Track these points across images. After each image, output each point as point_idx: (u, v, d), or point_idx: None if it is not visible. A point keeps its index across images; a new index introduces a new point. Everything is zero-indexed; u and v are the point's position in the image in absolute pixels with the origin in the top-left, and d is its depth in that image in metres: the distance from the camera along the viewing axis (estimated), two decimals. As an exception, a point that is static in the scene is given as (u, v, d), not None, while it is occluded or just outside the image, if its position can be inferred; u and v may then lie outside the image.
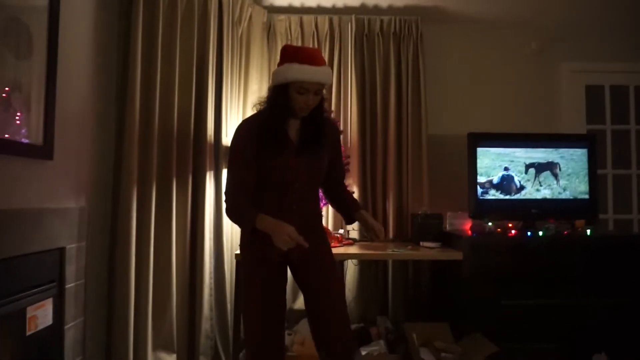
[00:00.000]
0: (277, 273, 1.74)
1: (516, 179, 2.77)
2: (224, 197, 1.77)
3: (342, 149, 1.95)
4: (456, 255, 2.42)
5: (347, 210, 1.90)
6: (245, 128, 1.71)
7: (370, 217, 1.86)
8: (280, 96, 1.65)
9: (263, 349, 1.67)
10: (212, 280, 2.62)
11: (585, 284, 2.48)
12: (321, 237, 1.81)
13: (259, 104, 1.78)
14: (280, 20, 3.08)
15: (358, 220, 1.88)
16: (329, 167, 1.81)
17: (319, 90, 1.65)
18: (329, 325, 1.68)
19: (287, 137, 1.70)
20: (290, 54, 1.64)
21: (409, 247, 2.62)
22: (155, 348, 2.35)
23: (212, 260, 2.63)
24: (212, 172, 2.63)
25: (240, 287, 1.82)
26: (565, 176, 2.78)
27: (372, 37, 3.08)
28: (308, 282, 1.75)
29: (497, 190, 2.76)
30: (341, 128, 2.94)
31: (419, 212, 2.79)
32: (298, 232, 1.57)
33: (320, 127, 1.73)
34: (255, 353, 1.68)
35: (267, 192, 1.70)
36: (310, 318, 1.76)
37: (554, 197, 2.77)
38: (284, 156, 1.67)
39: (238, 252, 2.35)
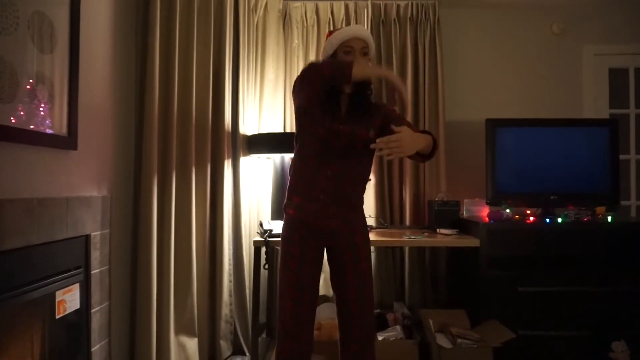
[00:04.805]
0: (314, 253, 1.74)
1: (535, 165, 2.73)
2: (302, 76, 1.68)
3: (396, 114, 1.86)
4: (473, 242, 2.42)
5: None
6: None
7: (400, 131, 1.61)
8: None
9: (294, 328, 1.70)
10: (231, 267, 2.68)
11: (604, 271, 2.45)
12: (360, 222, 1.81)
13: None
14: (296, 7, 3.07)
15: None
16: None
17: (364, 49, 1.73)
18: (353, 329, 1.75)
19: (339, 105, 1.74)
20: (332, 32, 1.80)
21: (426, 233, 2.62)
22: (177, 332, 2.42)
23: (231, 247, 2.68)
24: (230, 161, 2.67)
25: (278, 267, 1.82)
26: (586, 162, 2.73)
27: (388, 22, 3.05)
28: (343, 279, 1.77)
29: (515, 177, 2.73)
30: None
31: (436, 199, 2.78)
32: (333, 205, 1.70)
33: (366, 102, 1.75)
34: (286, 330, 1.72)
35: (308, 153, 1.74)
36: (338, 310, 1.81)
37: (574, 184, 2.72)
38: (331, 120, 1.70)
39: (256, 239, 2.40)
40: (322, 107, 1.71)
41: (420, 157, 1.76)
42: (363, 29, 1.79)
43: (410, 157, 1.72)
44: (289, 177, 1.83)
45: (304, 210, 1.73)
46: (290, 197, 1.79)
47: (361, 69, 1.58)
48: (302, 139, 1.78)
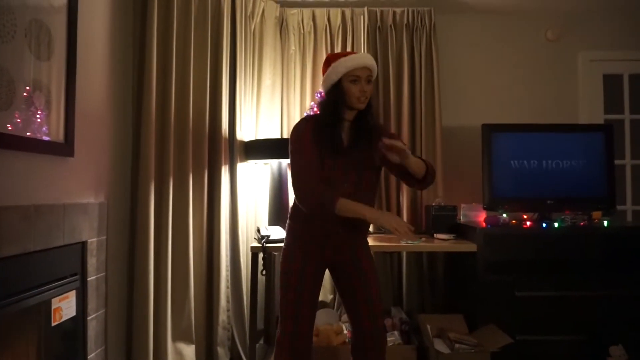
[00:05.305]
0: (315, 270, 1.77)
1: (531, 170, 2.74)
2: (292, 192, 1.73)
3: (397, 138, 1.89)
4: (470, 247, 2.42)
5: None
6: (304, 124, 1.76)
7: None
8: (335, 93, 1.72)
9: (294, 337, 1.71)
10: (229, 273, 2.67)
11: (601, 276, 2.45)
12: (364, 240, 1.86)
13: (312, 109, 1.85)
14: (293, 14, 3.09)
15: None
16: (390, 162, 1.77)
17: (369, 77, 1.72)
18: (367, 334, 1.78)
19: (340, 137, 1.74)
20: (333, 57, 1.75)
21: (423, 239, 2.62)
22: (175, 339, 2.41)
23: (229, 253, 2.67)
24: (227, 167, 2.67)
25: (280, 277, 1.81)
26: (582, 167, 2.74)
27: (384, 29, 3.07)
28: (348, 286, 1.80)
29: (512, 182, 2.74)
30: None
31: (433, 204, 2.79)
32: (343, 233, 1.72)
33: (369, 128, 1.76)
34: (286, 339, 1.72)
35: None
36: (349, 318, 1.84)
37: (571, 188, 2.73)
38: (335, 155, 1.70)
39: (253, 244, 2.40)
40: (322, 145, 1.69)
41: (416, 181, 1.77)
42: (369, 57, 1.76)
43: (407, 182, 1.80)
44: (294, 202, 1.81)
45: (315, 240, 1.75)
46: (298, 222, 1.78)
47: (344, 209, 1.60)
48: None
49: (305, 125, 1.74)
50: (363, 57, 1.74)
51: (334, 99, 1.72)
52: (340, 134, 1.74)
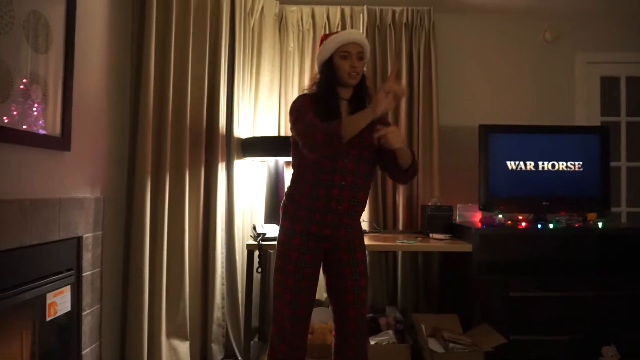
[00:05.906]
0: (313, 258, 1.75)
1: (527, 171, 2.75)
2: (301, 141, 1.69)
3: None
4: (465, 247, 2.43)
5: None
6: (302, 99, 1.77)
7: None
8: (327, 69, 1.74)
9: (290, 331, 1.71)
10: (224, 270, 2.67)
11: (595, 277, 2.47)
12: (358, 229, 1.86)
13: (310, 87, 1.84)
14: (292, 11, 3.08)
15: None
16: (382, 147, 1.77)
17: (360, 54, 1.73)
18: (350, 320, 1.79)
19: (339, 111, 1.73)
20: (327, 35, 1.80)
21: (419, 238, 2.63)
22: (169, 335, 2.40)
23: (224, 250, 2.67)
24: (224, 164, 2.66)
25: (275, 266, 1.80)
26: (577, 168, 2.76)
27: (383, 28, 3.07)
28: (339, 273, 1.80)
29: (508, 182, 2.75)
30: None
31: (429, 204, 2.79)
32: (341, 214, 1.71)
33: (365, 106, 1.74)
34: (282, 334, 1.72)
35: (318, 169, 1.71)
36: (333, 303, 1.85)
37: (566, 190, 2.74)
38: None
39: (249, 242, 2.40)
40: (323, 117, 1.68)
41: (400, 172, 1.77)
42: (359, 33, 1.81)
43: (390, 173, 1.83)
44: (292, 184, 1.81)
45: (314, 221, 1.73)
46: (295, 206, 1.77)
47: (349, 127, 1.57)
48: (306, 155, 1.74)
49: (304, 99, 1.76)
50: (352, 32, 1.80)
51: (327, 76, 1.74)
52: (338, 108, 1.74)
